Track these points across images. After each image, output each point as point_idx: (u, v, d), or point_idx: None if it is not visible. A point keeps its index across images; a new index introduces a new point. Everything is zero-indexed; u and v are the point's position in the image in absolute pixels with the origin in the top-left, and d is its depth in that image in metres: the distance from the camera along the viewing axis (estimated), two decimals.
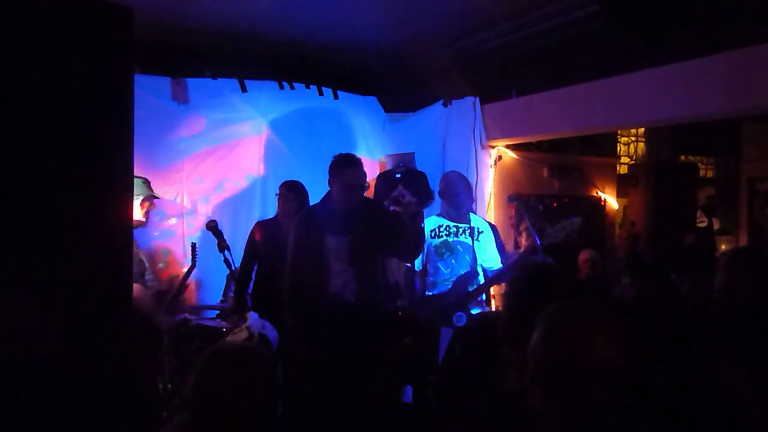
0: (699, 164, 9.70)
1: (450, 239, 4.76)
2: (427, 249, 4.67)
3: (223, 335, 4.07)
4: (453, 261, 4.73)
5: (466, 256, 4.74)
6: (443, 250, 4.73)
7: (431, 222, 4.81)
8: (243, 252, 4.74)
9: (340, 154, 4.09)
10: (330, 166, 4.06)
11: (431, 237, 4.73)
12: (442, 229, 4.78)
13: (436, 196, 5.57)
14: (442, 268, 4.72)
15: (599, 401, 1.48)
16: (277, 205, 4.89)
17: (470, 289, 4.55)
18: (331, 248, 3.93)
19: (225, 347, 2.23)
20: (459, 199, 4.78)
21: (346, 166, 4.01)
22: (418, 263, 4.65)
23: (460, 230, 4.79)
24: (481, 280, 4.69)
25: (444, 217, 4.82)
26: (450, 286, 4.61)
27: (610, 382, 1.47)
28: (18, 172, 1.83)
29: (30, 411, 1.81)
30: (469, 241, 4.75)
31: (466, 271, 4.67)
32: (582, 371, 1.48)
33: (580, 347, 1.50)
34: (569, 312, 1.61)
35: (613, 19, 4.84)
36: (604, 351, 1.48)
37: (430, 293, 4.68)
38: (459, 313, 4.28)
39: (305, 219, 4.11)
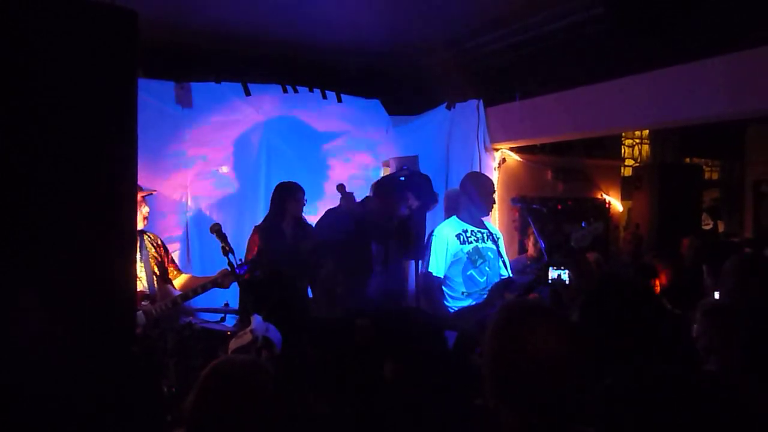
0: (704, 166, 9.70)
1: (479, 245, 4.52)
2: (456, 256, 4.44)
3: (226, 338, 4.06)
4: (487, 269, 4.50)
5: (498, 263, 4.57)
6: (476, 257, 4.48)
7: (454, 225, 4.58)
8: (248, 258, 4.74)
9: (392, 184, 4.43)
10: (395, 185, 4.41)
11: (460, 242, 4.48)
12: (468, 234, 4.53)
13: (441, 198, 5.56)
14: (477, 277, 4.47)
15: (544, 395, 1.52)
16: (287, 208, 4.88)
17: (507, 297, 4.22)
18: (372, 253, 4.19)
19: (226, 364, 2.21)
20: (483, 202, 4.59)
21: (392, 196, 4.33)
22: (441, 271, 4.43)
23: (484, 235, 4.58)
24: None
25: (466, 222, 4.58)
26: (485, 296, 4.37)
27: (554, 377, 1.53)
28: (21, 175, 1.83)
29: (33, 412, 1.81)
30: (494, 246, 4.58)
31: (500, 278, 4.47)
32: (526, 365, 1.54)
33: (524, 341, 1.57)
34: (515, 308, 1.69)
35: (617, 21, 4.83)
36: (547, 345, 1.55)
37: (464, 305, 4.42)
38: None
39: (352, 233, 4.24)
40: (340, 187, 4.47)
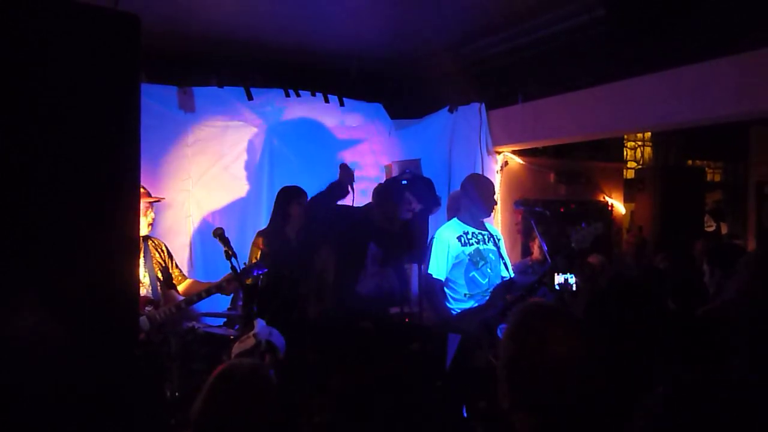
0: (706, 168, 9.68)
1: (481, 247, 4.52)
2: (457, 258, 4.44)
3: (230, 343, 4.07)
4: (488, 270, 4.50)
5: (499, 264, 4.57)
6: (477, 259, 4.48)
7: (455, 227, 4.58)
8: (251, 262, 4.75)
9: (391, 187, 4.50)
10: (397, 189, 4.46)
11: (461, 245, 4.48)
12: (469, 236, 4.52)
13: (444, 201, 5.57)
14: (479, 278, 4.47)
15: (561, 398, 1.52)
16: (291, 213, 4.89)
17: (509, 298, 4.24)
18: (371, 254, 4.24)
19: (236, 368, 2.21)
20: (484, 204, 4.60)
21: (391, 199, 4.40)
22: (442, 273, 4.44)
23: (485, 237, 4.58)
24: None
25: (467, 223, 4.59)
26: (488, 298, 4.37)
27: (572, 380, 1.53)
28: (25, 179, 1.84)
29: (34, 414, 1.81)
30: (495, 248, 4.59)
31: (502, 280, 4.49)
32: (546, 369, 1.54)
33: (545, 345, 1.56)
34: (534, 311, 1.68)
35: (619, 23, 4.84)
36: (568, 349, 1.55)
37: (467, 306, 4.43)
38: (504, 326, 3.83)
39: (352, 226, 4.32)
40: (343, 166, 4.50)
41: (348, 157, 6.35)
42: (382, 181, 4.69)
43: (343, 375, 3.71)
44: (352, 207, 4.48)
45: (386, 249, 4.27)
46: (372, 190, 4.81)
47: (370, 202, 4.81)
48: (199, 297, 4.29)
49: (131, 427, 2.04)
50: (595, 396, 1.56)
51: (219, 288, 4.31)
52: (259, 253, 4.87)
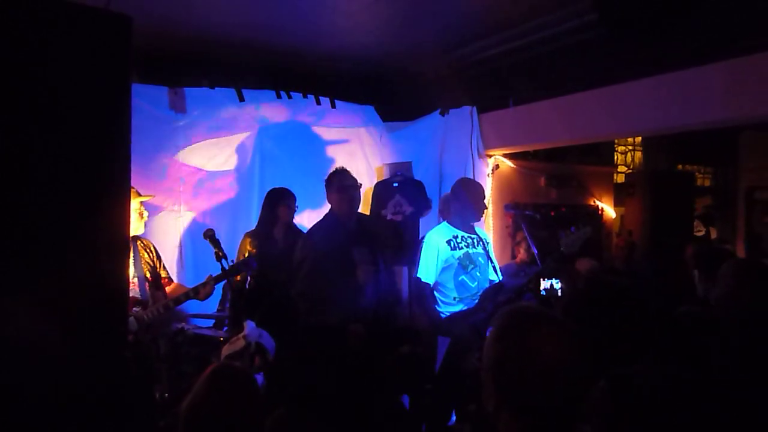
0: (696, 173, 9.73)
1: (470, 250, 4.54)
2: (447, 262, 4.47)
3: (219, 344, 4.05)
4: (478, 274, 4.52)
5: (488, 268, 4.59)
6: (467, 263, 4.50)
7: (444, 231, 4.61)
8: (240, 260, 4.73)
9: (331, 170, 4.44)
10: (325, 184, 4.42)
11: (451, 248, 4.50)
12: (459, 240, 4.55)
13: (435, 204, 5.56)
14: (468, 282, 4.50)
15: (548, 400, 1.53)
16: (279, 214, 4.89)
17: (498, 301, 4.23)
18: (356, 260, 4.24)
19: (229, 370, 2.22)
20: (475, 208, 4.63)
21: (336, 173, 4.37)
22: (431, 277, 4.46)
23: (475, 241, 4.60)
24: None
25: (457, 227, 4.62)
26: (477, 302, 4.39)
27: (558, 382, 1.53)
28: (14, 179, 1.83)
29: (20, 415, 1.80)
30: (484, 252, 4.61)
31: (491, 283, 4.51)
32: (534, 371, 1.53)
33: (533, 347, 1.55)
34: (522, 314, 1.68)
35: (611, 28, 4.85)
36: (556, 352, 1.54)
37: (456, 310, 4.45)
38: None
39: (324, 235, 4.28)
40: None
41: (339, 159, 6.37)
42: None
43: (333, 376, 3.70)
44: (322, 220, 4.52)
45: (369, 249, 4.26)
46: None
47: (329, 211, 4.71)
48: (187, 296, 4.27)
49: (120, 428, 2.03)
50: (582, 398, 1.56)
51: (195, 292, 4.27)
52: (247, 254, 4.88)
